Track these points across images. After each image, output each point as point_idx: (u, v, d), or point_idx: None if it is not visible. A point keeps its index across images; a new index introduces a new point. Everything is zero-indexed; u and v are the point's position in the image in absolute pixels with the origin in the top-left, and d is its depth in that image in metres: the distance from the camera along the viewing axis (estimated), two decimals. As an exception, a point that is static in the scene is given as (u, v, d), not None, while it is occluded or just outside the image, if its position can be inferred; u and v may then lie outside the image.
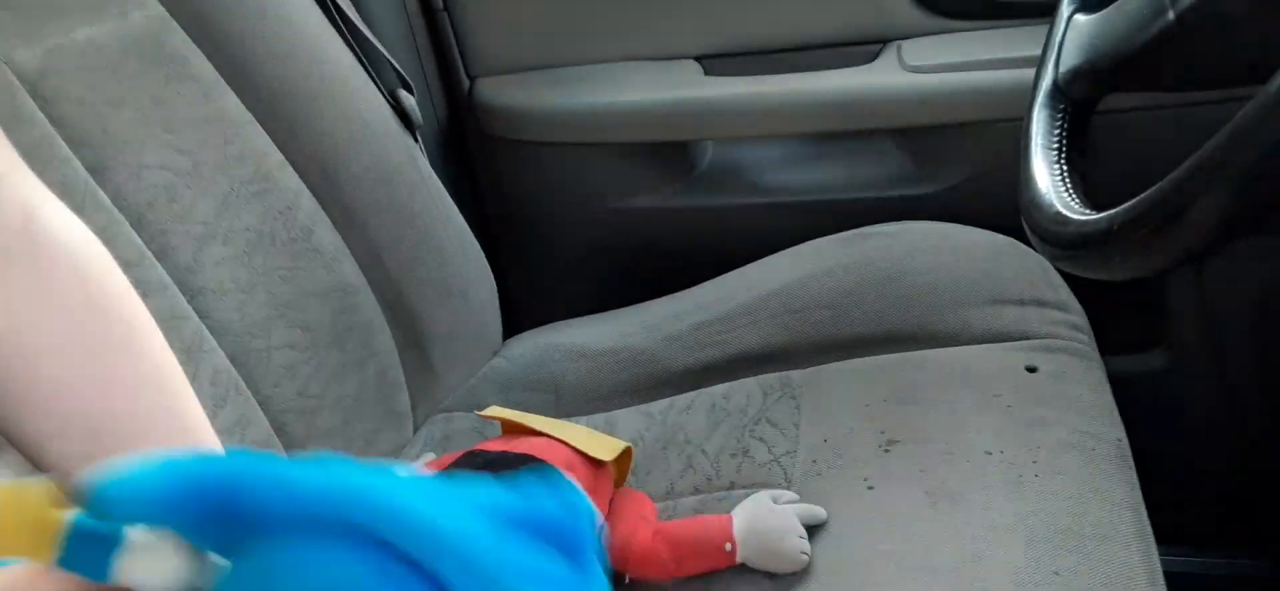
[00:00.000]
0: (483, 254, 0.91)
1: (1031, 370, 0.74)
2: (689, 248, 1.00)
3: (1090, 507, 0.64)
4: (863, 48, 0.95)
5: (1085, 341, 0.79)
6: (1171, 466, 0.84)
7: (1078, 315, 0.81)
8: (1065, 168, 0.55)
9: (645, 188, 1.03)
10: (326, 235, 0.77)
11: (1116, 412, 0.72)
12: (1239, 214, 0.38)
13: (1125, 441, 0.70)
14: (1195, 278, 0.97)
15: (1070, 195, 0.51)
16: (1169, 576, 0.62)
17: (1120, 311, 0.97)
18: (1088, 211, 0.49)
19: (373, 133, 0.83)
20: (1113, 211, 0.45)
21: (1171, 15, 0.48)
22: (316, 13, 0.82)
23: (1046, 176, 0.54)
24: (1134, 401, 0.76)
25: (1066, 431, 0.69)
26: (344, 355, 0.76)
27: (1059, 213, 0.50)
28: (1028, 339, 0.77)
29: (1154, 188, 0.42)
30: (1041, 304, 0.80)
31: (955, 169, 0.96)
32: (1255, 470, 0.97)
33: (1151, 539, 0.63)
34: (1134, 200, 0.43)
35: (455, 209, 0.88)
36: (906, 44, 0.93)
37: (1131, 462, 0.69)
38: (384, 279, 0.80)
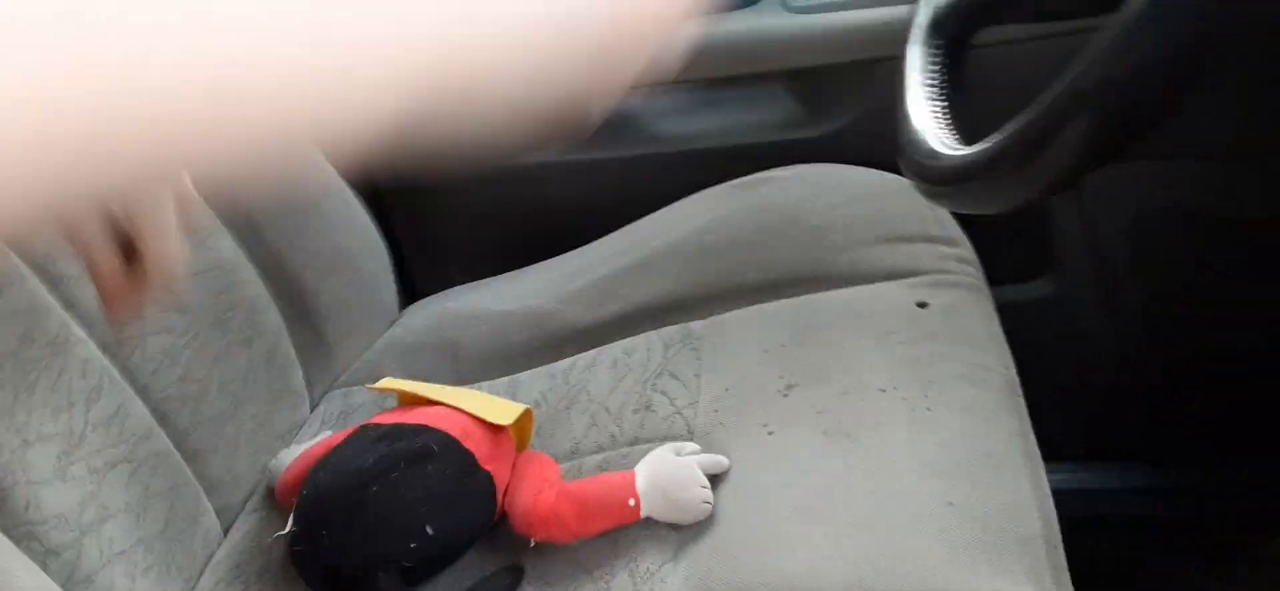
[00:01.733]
0: (371, 221, 0.88)
1: (923, 306, 0.76)
2: (585, 203, 0.98)
3: (982, 438, 0.66)
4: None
5: (974, 274, 0.81)
6: (1059, 387, 0.87)
7: (966, 249, 0.82)
8: (941, 104, 0.55)
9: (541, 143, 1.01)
10: (200, 208, 0.73)
11: (1005, 343, 0.74)
12: (1102, 140, 0.39)
13: (1013, 370, 0.72)
14: (1076, 205, 1.01)
15: (944, 132, 0.52)
16: (1058, 493, 0.65)
17: (1007, 242, 1.00)
18: (960, 147, 0.49)
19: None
20: (980, 146, 0.45)
21: None
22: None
23: (922, 114, 0.54)
24: (1022, 328, 0.79)
25: (958, 365, 0.71)
26: (227, 335, 0.73)
27: (932, 149, 0.50)
28: (919, 275, 0.78)
29: (1018, 119, 0.42)
30: (931, 240, 0.81)
31: (845, 109, 0.96)
32: (1137, 384, 1.02)
33: (1040, 461, 0.65)
34: (1000, 134, 0.44)
35: (335, 174, 0.85)
36: None
37: (1020, 390, 0.71)
38: (265, 253, 0.77)
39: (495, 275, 0.91)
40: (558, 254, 0.90)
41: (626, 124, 1.02)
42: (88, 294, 0.65)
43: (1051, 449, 0.68)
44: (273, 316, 0.77)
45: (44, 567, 0.56)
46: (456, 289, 0.91)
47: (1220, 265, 0.99)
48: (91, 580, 0.59)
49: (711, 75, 0.98)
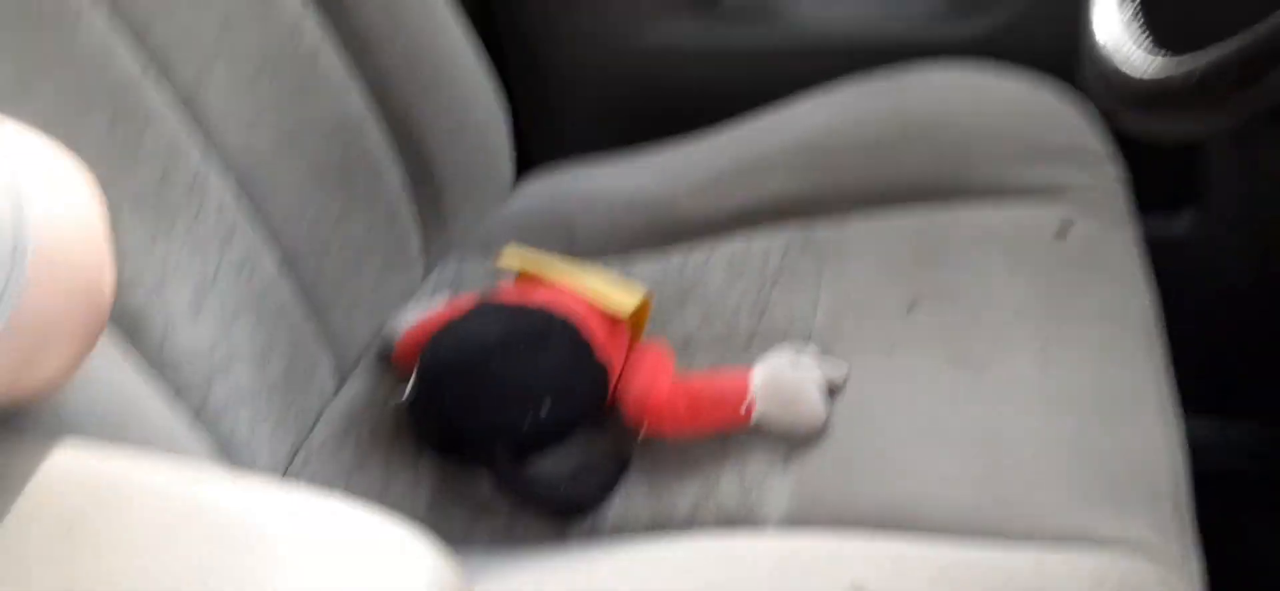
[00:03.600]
0: (495, 91, 0.87)
1: (1063, 231, 0.72)
2: (712, 90, 0.95)
3: (1114, 375, 0.63)
4: None
5: (1120, 201, 0.76)
6: (1199, 331, 0.82)
7: (1116, 172, 0.77)
8: (1133, 12, 0.51)
9: (667, 23, 0.98)
10: (332, 62, 0.73)
11: (1145, 277, 0.70)
12: None
13: (1151, 309, 0.68)
14: (1234, 134, 0.94)
15: (1139, 45, 0.47)
16: (1193, 444, 0.61)
17: (1156, 167, 0.94)
18: (1162, 61, 0.45)
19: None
20: (1193, 63, 0.41)
21: None
22: None
23: (1114, 23, 0.50)
24: (1165, 262, 0.74)
25: (1096, 298, 0.67)
26: (352, 193, 0.73)
27: (1129, 61, 0.46)
28: (1064, 196, 0.74)
29: (1238, 39, 0.38)
30: (1080, 158, 0.77)
31: (1002, 6, 0.90)
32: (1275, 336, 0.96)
33: (1174, 407, 0.62)
34: (1216, 51, 0.40)
35: (468, 43, 0.84)
36: None
37: (1158, 330, 0.67)
38: (393, 113, 0.77)
39: (613, 156, 0.90)
40: (678, 139, 0.88)
41: (762, 9, 0.97)
42: (228, 135, 0.65)
43: (1184, 398, 0.65)
44: (395, 179, 0.77)
45: (173, 403, 0.58)
46: (573, 167, 0.90)
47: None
48: (216, 422, 0.61)
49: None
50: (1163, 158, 0.94)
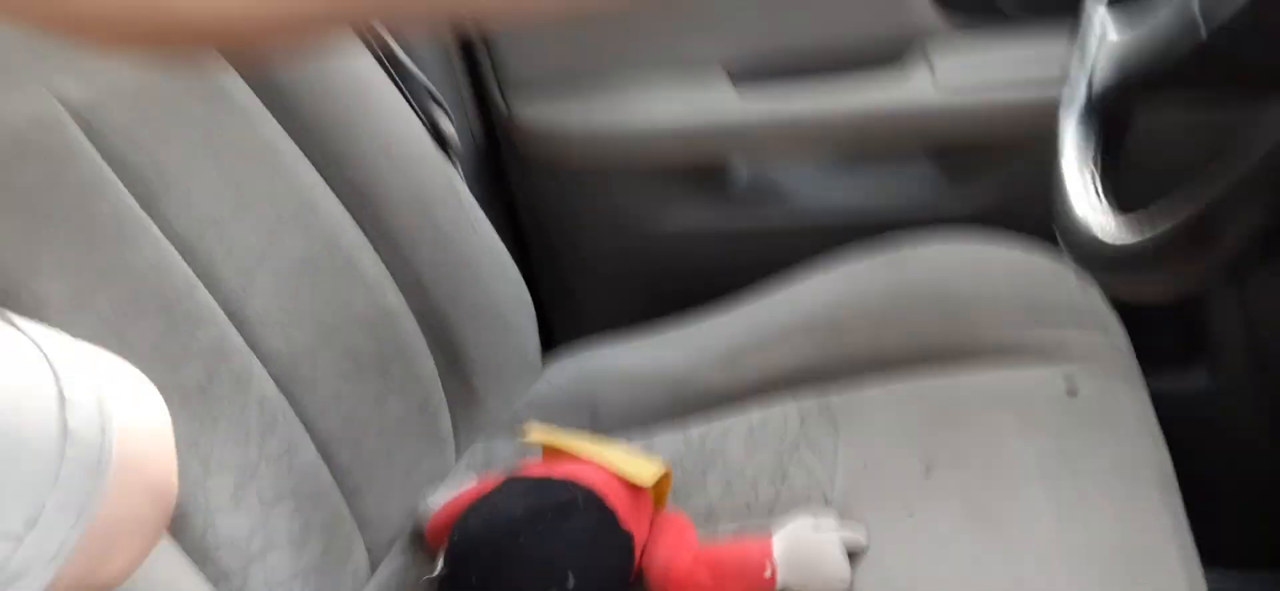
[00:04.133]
0: (521, 278, 0.92)
1: (1072, 392, 0.74)
2: (725, 268, 1.00)
3: (1133, 532, 0.64)
4: (892, 62, 0.95)
5: (1126, 360, 0.78)
6: (1216, 486, 0.83)
7: (1118, 334, 0.80)
8: (1101, 183, 0.54)
9: (681, 209, 1.04)
10: (369, 261, 0.78)
11: (1159, 433, 0.72)
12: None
13: (1168, 463, 0.70)
14: (1238, 292, 0.96)
15: (1106, 212, 0.51)
16: (1211, 595, 0.62)
17: (1161, 327, 0.96)
18: (1125, 228, 0.48)
19: (412, 159, 0.84)
20: (1151, 228, 0.44)
21: (1204, 31, 0.47)
22: (355, 41, 0.83)
23: (1082, 193, 0.54)
24: (1177, 419, 0.76)
25: (1109, 455, 0.69)
26: (387, 381, 0.77)
27: (1096, 230, 0.49)
28: (1068, 359, 0.77)
29: (1192, 202, 0.41)
30: (1081, 322, 0.80)
31: (989, 185, 0.95)
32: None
33: (1196, 561, 0.63)
34: (1172, 216, 0.43)
35: (494, 233, 0.89)
36: (937, 59, 0.93)
37: (1175, 484, 0.68)
38: (425, 304, 0.81)
39: (633, 334, 0.94)
40: (695, 316, 0.92)
41: (769, 192, 1.03)
42: (270, 334, 0.70)
43: (1204, 552, 0.66)
44: (428, 366, 0.81)
45: (214, 590, 0.60)
46: (595, 347, 0.94)
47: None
48: (255, 605, 0.62)
49: (857, 148, 0.98)
50: (1168, 314, 0.97)
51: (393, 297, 0.79)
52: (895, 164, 1.01)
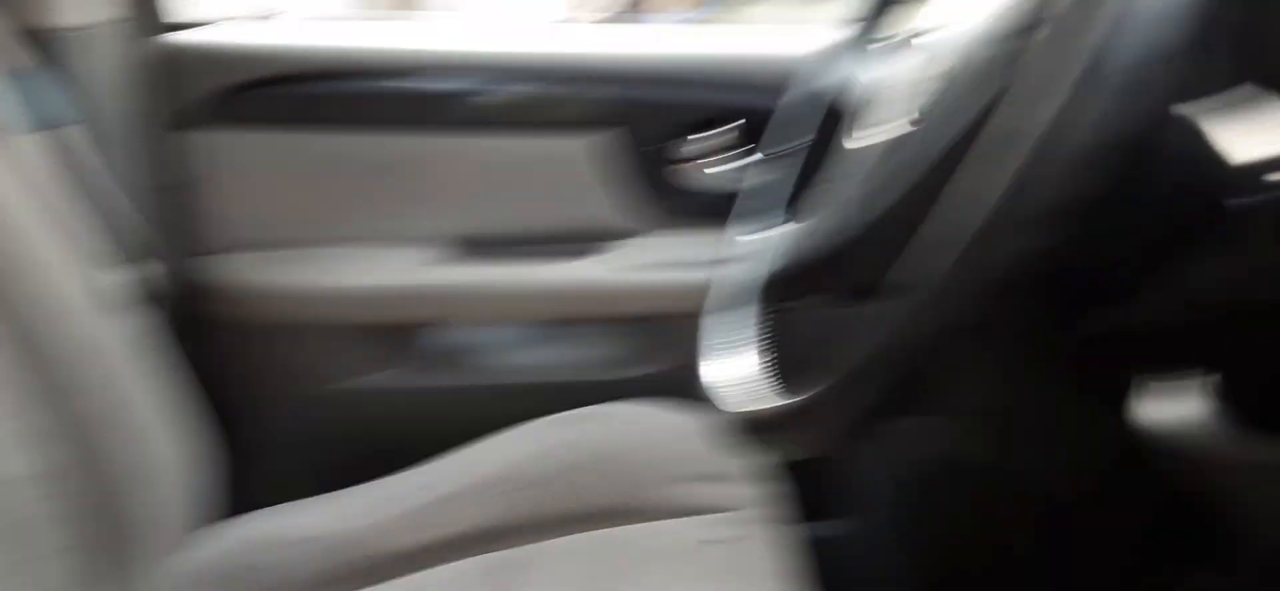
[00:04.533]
0: (200, 437, 0.87)
1: (727, 542, 0.81)
2: (413, 430, 1.01)
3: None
4: (592, 242, 1.03)
5: (776, 512, 0.87)
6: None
7: (769, 487, 0.89)
8: (759, 359, 0.61)
9: (376, 368, 1.04)
10: (28, 412, 0.72)
11: (804, 579, 0.80)
12: (896, 397, 0.45)
13: None
14: (877, 449, 1.10)
15: (758, 383, 0.58)
16: None
17: (812, 482, 1.07)
18: (772, 398, 0.55)
19: (73, 307, 0.80)
20: (793, 397, 0.51)
21: (833, 237, 0.57)
22: (15, 184, 0.79)
23: (739, 365, 0.61)
24: (826, 566, 0.84)
25: (755, 597, 0.76)
26: (16, 553, 0.70)
27: (747, 398, 0.56)
28: (723, 511, 0.84)
29: (827, 377, 0.48)
30: (735, 478, 0.88)
31: (671, 354, 1.04)
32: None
33: None
34: (811, 387, 0.49)
35: (174, 388, 0.85)
36: (632, 241, 1.02)
37: None
38: (77, 465, 0.76)
39: (320, 497, 0.91)
40: (382, 479, 0.92)
41: (456, 355, 1.06)
42: None
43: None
44: (78, 530, 0.75)
45: None
46: (273, 509, 0.91)
47: (996, 512, 1.09)
48: None
49: (550, 317, 1.04)
50: (822, 468, 1.09)
51: (57, 452, 0.73)
52: (585, 331, 1.08)
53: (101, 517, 0.76)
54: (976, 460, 1.05)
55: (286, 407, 1.06)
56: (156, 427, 0.84)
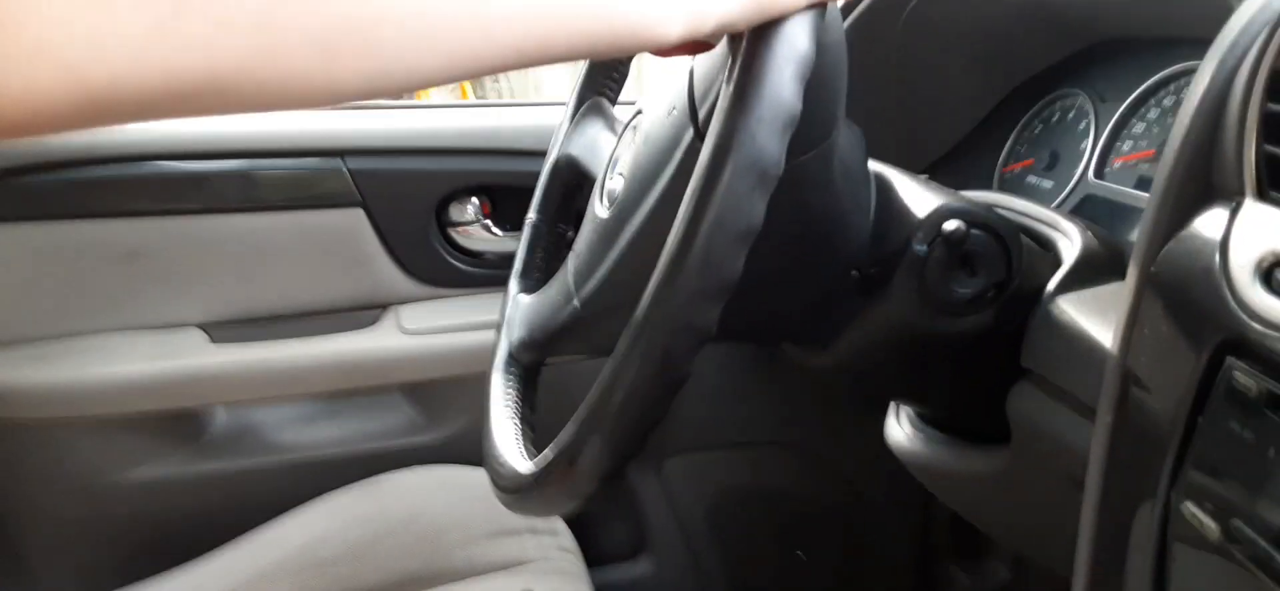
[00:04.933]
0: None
1: (527, 596, 0.84)
2: (204, 515, 0.98)
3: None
4: (365, 312, 1.04)
5: (575, 561, 0.91)
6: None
7: (566, 538, 0.93)
8: (517, 422, 0.64)
9: (153, 457, 1.00)
10: None
11: None
12: (616, 451, 0.48)
13: None
14: (660, 489, 1.16)
15: (519, 445, 0.61)
16: None
17: (606, 526, 1.13)
18: (527, 461, 0.57)
19: None
20: (531, 462, 0.53)
21: (576, 302, 0.61)
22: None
23: (501, 429, 0.63)
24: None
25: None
26: None
27: (505, 462, 0.59)
28: (525, 564, 0.87)
29: (557, 439, 0.50)
30: (535, 532, 0.91)
31: (456, 416, 1.06)
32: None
33: None
34: (545, 451, 0.52)
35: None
36: (403, 309, 1.04)
37: None
38: None
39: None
40: (171, 571, 0.89)
41: (247, 435, 1.04)
42: None
43: None
44: None
45: None
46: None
47: (791, 539, 1.18)
48: None
49: (333, 390, 1.04)
50: (615, 515, 1.14)
51: None
52: (373, 401, 1.09)
53: None
54: (764, 485, 1.14)
55: (67, 506, 1.00)
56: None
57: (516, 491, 0.55)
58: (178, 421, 1.01)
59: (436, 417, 1.06)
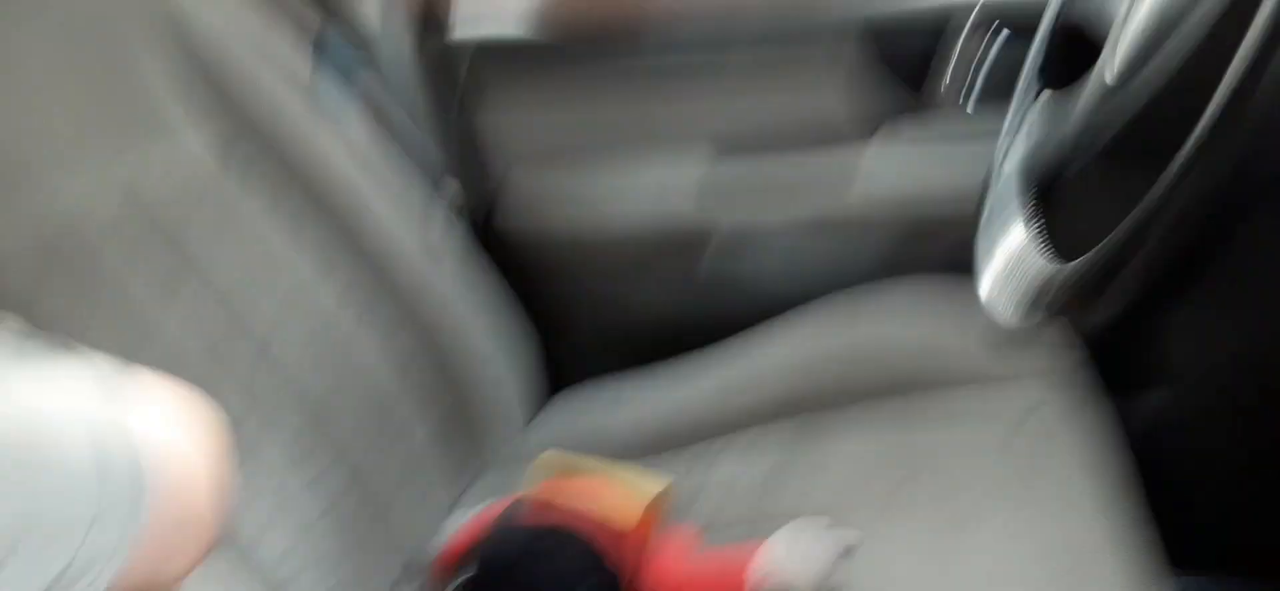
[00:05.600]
0: (521, 326, 0.98)
1: (1033, 410, 0.81)
2: (706, 323, 1.06)
3: (1089, 534, 0.70)
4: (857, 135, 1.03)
5: (1085, 379, 0.85)
6: (1186, 497, 0.89)
7: (1077, 353, 0.87)
8: (1033, 230, 0.60)
9: (666, 268, 1.11)
10: (381, 315, 0.85)
11: (1116, 446, 0.79)
12: (1167, 260, 0.43)
13: (1124, 476, 0.76)
14: (1192, 314, 1.03)
15: (1036, 256, 0.57)
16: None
17: (1121, 349, 1.03)
18: (1047, 269, 0.54)
19: (412, 228, 0.91)
20: (1065, 267, 0.50)
21: (1114, 99, 0.55)
22: (355, 119, 0.91)
23: (1017, 239, 0.60)
24: (1142, 438, 0.82)
25: (1066, 464, 0.76)
26: (402, 422, 0.84)
27: (1027, 271, 0.56)
28: (1029, 378, 0.84)
29: (1099, 244, 0.47)
30: (1042, 346, 0.87)
31: (948, 236, 1.03)
32: (1259, 496, 1.02)
33: (1149, 564, 0.69)
34: (1083, 258, 0.48)
35: (492, 288, 0.96)
36: (901, 132, 1.02)
37: (1130, 495, 0.75)
38: (433, 354, 0.88)
39: (622, 380, 1.01)
40: (679, 364, 0.99)
41: (741, 250, 1.10)
42: (296, 379, 0.76)
43: (1179, 559, 0.72)
44: (439, 408, 0.87)
45: (260, 604, 0.66)
46: (593, 386, 1.01)
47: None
48: (292, 619, 0.68)
49: (830, 211, 1.06)
50: (1130, 339, 1.04)
51: (403, 346, 0.85)
52: (867, 222, 1.09)
53: (445, 401, 0.88)
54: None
55: (588, 305, 1.15)
56: (486, 321, 0.95)
57: (1041, 299, 0.52)
58: (683, 238, 1.10)
59: (930, 246, 1.04)
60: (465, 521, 0.79)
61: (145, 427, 0.43)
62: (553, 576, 0.69)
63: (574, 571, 0.69)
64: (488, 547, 0.72)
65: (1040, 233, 0.59)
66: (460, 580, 0.71)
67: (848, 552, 0.70)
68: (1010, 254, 0.59)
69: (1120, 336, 1.04)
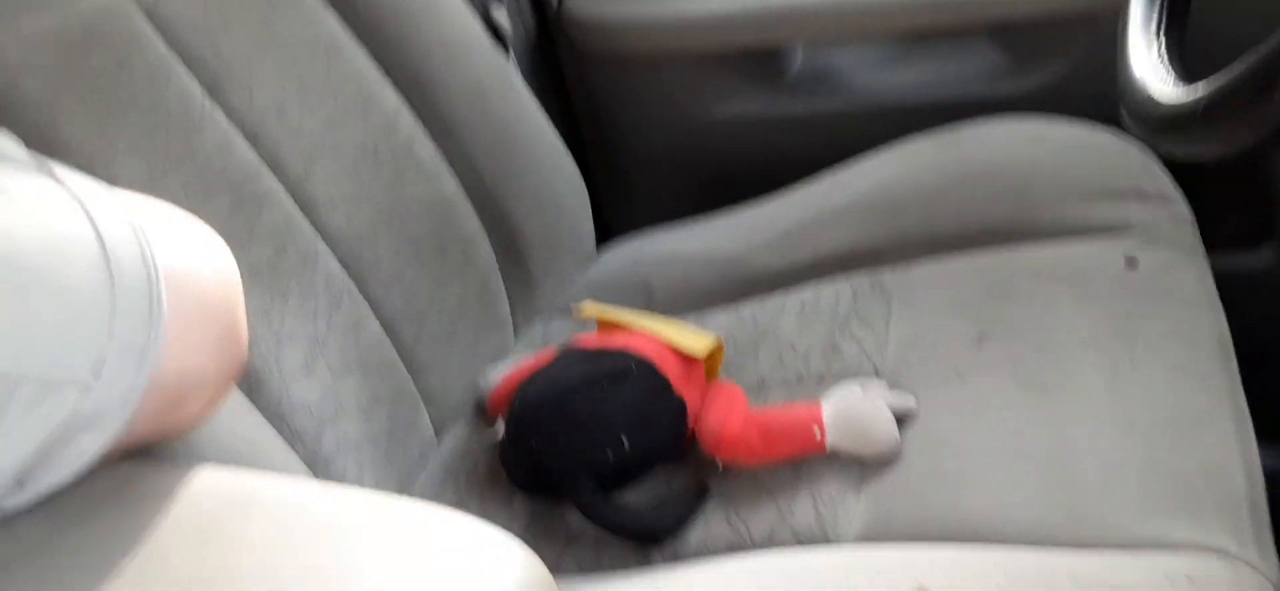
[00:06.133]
0: (574, 166, 0.93)
1: (1131, 263, 0.73)
2: (779, 155, 1.00)
3: (1187, 396, 0.63)
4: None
5: (1188, 234, 0.77)
6: (1277, 363, 0.81)
7: (1181, 207, 0.79)
8: (1163, 47, 0.54)
9: (735, 96, 1.03)
10: (426, 149, 0.80)
11: (1219, 305, 0.71)
12: None
13: (1227, 334, 0.69)
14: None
15: (1165, 75, 0.50)
16: (1269, 472, 0.61)
17: (1228, 206, 0.94)
18: (1181, 89, 0.48)
19: (467, 48, 0.86)
20: (1202, 87, 0.44)
21: None
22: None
23: (1143, 57, 0.53)
24: (1241, 297, 0.74)
25: (1166, 322, 0.68)
26: (446, 264, 0.79)
27: (1153, 92, 0.49)
28: (1128, 233, 0.76)
29: (1243, 59, 0.41)
30: (1143, 196, 0.78)
31: (1053, 64, 0.93)
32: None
33: (1249, 423, 0.62)
34: (1222, 75, 0.43)
35: (547, 121, 0.90)
36: None
37: (1232, 353, 0.67)
38: (481, 190, 0.83)
39: (685, 221, 0.95)
40: (748, 204, 0.92)
41: (825, 77, 1.02)
42: (333, 216, 0.72)
43: (1265, 427, 0.65)
44: (485, 250, 0.83)
45: (290, 448, 0.63)
46: (650, 232, 0.95)
47: None
48: (327, 468, 0.66)
49: (915, 28, 0.96)
50: (1237, 195, 0.95)
51: (449, 184, 0.81)
52: (956, 44, 1.00)
53: (505, 233, 0.83)
54: None
55: (651, 135, 1.09)
56: (540, 157, 0.89)
57: (1173, 123, 0.45)
58: (760, 61, 1.02)
59: (1028, 63, 0.94)
60: (509, 369, 0.75)
61: (155, 231, 0.41)
62: (616, 406, 0.65)
63: (638, 400, 0.65)
64: (547, 379, 0.68)
65: (1169, 50, 0.52)
66: (511, 419, 0.68)
67: (906, 418, 0.64)
68: (1134, 71, 0.52)
69: (1230, 188, 0.95)
